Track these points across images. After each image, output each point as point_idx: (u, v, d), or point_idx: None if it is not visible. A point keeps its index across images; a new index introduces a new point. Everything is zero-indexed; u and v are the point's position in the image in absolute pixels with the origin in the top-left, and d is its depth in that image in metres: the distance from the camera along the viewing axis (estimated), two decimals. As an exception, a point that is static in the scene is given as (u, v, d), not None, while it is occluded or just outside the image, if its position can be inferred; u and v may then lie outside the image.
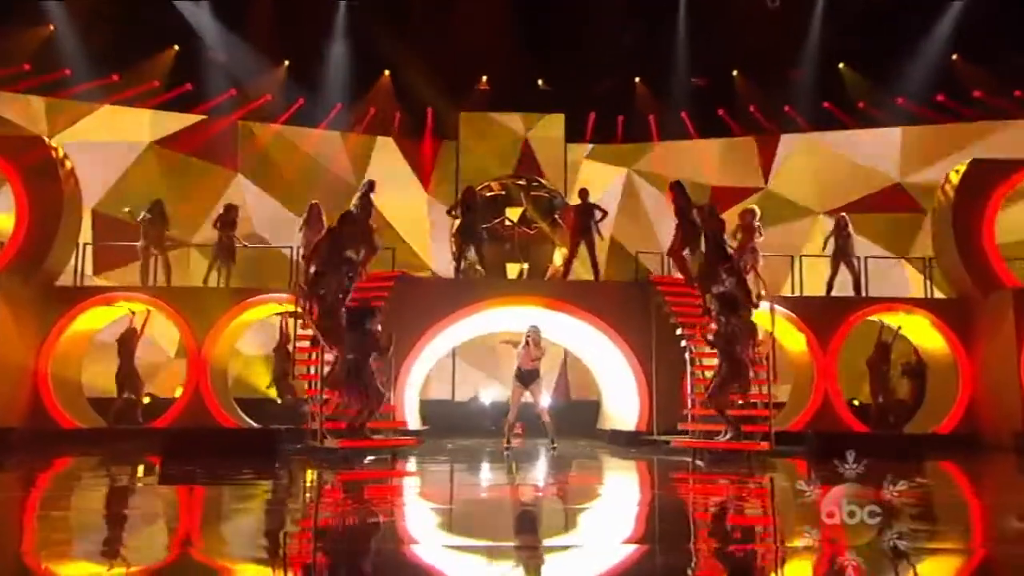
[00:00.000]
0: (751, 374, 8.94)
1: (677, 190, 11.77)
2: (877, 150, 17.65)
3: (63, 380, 12.44)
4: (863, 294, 13.38)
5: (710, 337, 9.00)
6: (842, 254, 13.58)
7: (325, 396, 8.87)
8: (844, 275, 13.55)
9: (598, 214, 12.65)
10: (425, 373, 13.65)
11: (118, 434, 11.54)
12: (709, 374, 9.65)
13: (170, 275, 13.42)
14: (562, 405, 16.10)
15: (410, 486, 6.83)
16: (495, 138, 17.89)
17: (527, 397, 11.09)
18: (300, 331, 10.36)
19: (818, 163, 17.90)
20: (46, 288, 12.39)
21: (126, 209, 13.74)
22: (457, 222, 12.89)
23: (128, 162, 16.84)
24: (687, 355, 10.14)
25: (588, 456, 10.43)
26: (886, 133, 17.71)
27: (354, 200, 11.92)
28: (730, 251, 10.28)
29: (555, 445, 10.78)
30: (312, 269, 9.61)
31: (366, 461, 8.60)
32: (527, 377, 10.89)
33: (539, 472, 8.32)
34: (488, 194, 13.98)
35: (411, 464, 8.66)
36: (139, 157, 16.95)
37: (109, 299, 12.68)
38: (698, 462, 8.78)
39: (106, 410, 12.85)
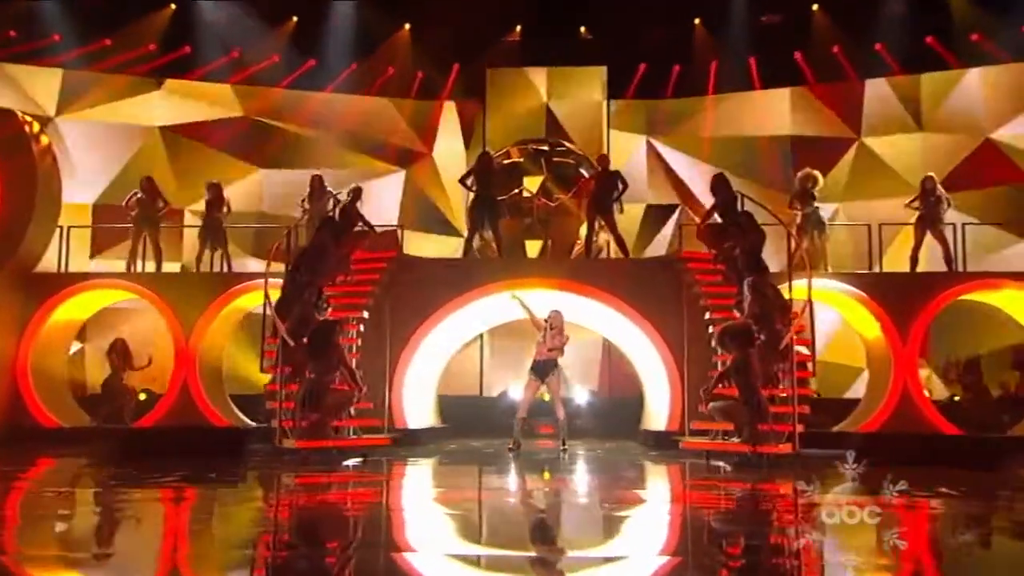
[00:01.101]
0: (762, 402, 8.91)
1: (720, 183, 11.62)
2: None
3: (46, 375, 13.14)
4: (957, 269, 12.95)
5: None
6: (929, 221, 13.17)
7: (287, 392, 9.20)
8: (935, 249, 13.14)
9: (620, 187, 12.69)
10: (438, 366, 13.94)
11: (98, 434, 12.14)
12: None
13: (160, 260, 13.97)
14: (603, 402, 16.19)
15: (358, 498, 7.03)
16: (526, 97, 17.94)
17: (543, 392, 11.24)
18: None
19: (916, 111, 17.32)
20: (23, 275, 13.10)
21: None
22: (471, 195, 13.14)
23: (134, 148, 17.46)
24: (713, 343, 10.12)
25: (600, 459, 10.57)
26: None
27: (339, 204, 12.26)
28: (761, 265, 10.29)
29: (565, 447, 10.94)
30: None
31: (349, 464, 8.91)
32: (543, 368, 11.03)
33: (528, 479, 8.53)
34: (506, 162, 14.07)
35: (386, 467, 8.97)
36: (146, 144, 17.55)
37: (91, 286, 13.32)
38: (719, 464, 8.82)
39: (96, 407, 13.57)
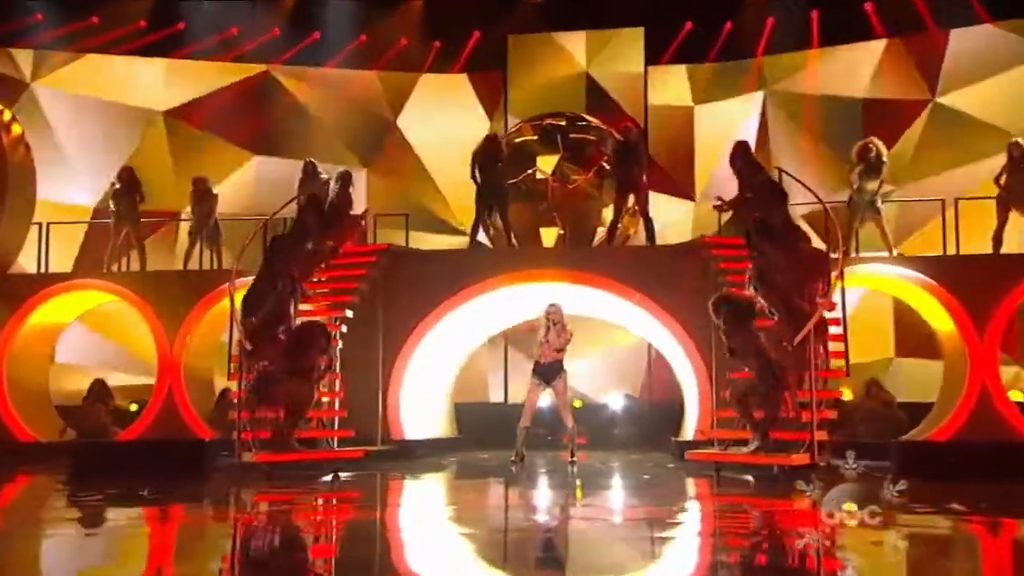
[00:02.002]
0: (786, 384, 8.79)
1: (736, 152, 11.47)
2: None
3: (22, 384, 13.56)
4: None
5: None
6: (1016, 195, 12.73)
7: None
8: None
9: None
10: (449, 371, 14.04)
11: (75, 449, 12.47)
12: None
13: (144, 258, 14.28)
14: (643, 409, 16.08)
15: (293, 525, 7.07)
16: (554, 66, 17.87)
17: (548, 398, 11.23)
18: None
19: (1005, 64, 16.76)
20: (-7, 277, 13.53)
21: None
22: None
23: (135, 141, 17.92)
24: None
25: (609, 474, 10.54)
26: None
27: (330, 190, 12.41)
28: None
29: (574, 459, 10.96)
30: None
31: (328, 480, 9.04)
32: (548, 372, 11.04)
33: (513, 499, 8.55)
34: (517, 140, 14.05)
35: (358, 484, 9.10)
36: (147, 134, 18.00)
37: (69, 288, 13.69)
38: (742, 476, 8.72)
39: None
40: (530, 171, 13.69)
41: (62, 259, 15.65)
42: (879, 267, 12.77)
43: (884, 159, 12.73)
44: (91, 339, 16.71)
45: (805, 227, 12.07)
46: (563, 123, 14.05)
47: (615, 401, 16.10)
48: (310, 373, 9.50)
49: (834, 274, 9.79)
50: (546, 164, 13.68)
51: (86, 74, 17.87)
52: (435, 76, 18.55)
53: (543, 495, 8.84)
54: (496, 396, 16.78)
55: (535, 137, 14.04)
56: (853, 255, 12.57)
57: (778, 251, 9.26)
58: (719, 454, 9.05)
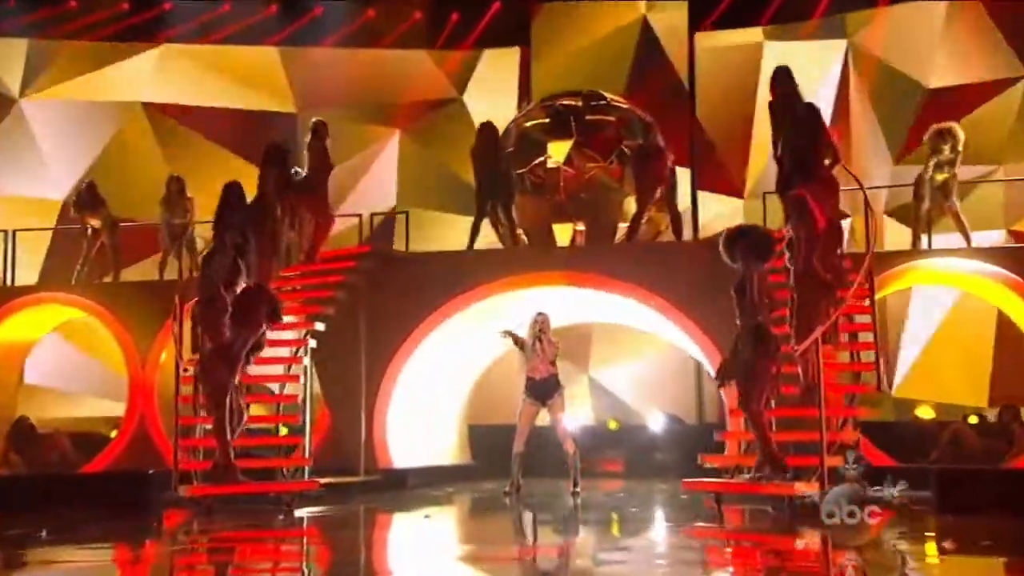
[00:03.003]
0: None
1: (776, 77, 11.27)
2: None
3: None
4: None
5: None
6: None
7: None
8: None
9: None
10: (456, 389, 14.00)
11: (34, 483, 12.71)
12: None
13: (119, 269, 14.46)
14: (690, 431, 15.79)
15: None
16: (586, 39, 17.72)
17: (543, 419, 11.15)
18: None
19: None
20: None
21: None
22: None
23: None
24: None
25: (613, 506, 10.54)
26: None
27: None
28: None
29: (577, 489, 10.89)
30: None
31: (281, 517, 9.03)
32: (543, 389, 10.98)
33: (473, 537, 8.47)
34: (527, 125, 13.94)
35: (308, 522, 9.12)
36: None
37: (29, 302, 13.96)
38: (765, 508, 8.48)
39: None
40: (540, 159, 13.49)
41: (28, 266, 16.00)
42: (951, 262, 12.32)
43: (959, 147, 12.37)
44: (75, 359, 16.95)
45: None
46: (578, 103, 13.84)
47: (656, 422, 15.83)
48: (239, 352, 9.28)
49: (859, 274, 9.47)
50: (558, 151, 13.50)
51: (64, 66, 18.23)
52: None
53: (504, 537, 8.70)
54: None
55: (546, 120, 13.85)
56: (924, 247, 12.27)
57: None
58: (718, 483, 8.79)
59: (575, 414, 15.79)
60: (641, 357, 15.89)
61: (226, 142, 17.89)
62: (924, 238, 12.37)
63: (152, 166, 17.28)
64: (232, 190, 10.29)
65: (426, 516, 10.07)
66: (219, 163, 17.12)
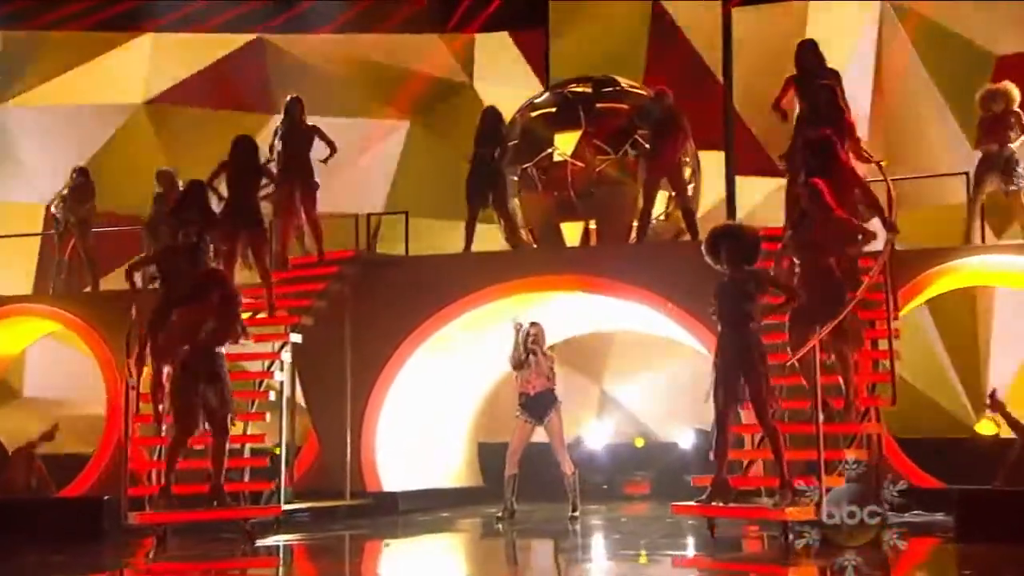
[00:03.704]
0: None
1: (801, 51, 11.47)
2: None
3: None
4: None
5: None
6: None
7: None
8: None
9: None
10: (463, 404, 13.98)
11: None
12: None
13: (97, 276, 14.63)
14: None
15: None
16: (604, 18, 17.63)
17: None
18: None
19: None
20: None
21: None
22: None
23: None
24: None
25: (617, 534, 10.43)
26: None
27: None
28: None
29: (576, 514, 10.92)
30: None
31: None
32: (538, 405, 10.97)
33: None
34: (534, 114, 13.93)
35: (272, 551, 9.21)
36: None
37: (2, 314, 14.16)
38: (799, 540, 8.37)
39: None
40: (546, 152, 13.43)
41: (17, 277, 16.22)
42: (1008, 259, 12.01)
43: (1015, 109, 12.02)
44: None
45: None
46: (588, 89, 13.77)
47: (687, 439, 15.67)
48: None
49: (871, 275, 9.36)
50: (565, 143, 13.42)
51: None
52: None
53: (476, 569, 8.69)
54: (537, 434, 16.51)
55: (553, 109, 13.78)
56: (977, 242, 12.00)
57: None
58: (709, 507, 8.67)
59: (595, 432, 15.82)
60: (665, 367, 15.71)
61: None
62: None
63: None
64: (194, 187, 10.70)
65: (386, 544, 10.10)
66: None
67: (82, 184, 14.65)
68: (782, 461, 8.36)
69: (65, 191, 14.70)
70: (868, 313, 9.91)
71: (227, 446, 9.34)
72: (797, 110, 11.42)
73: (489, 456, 14.74)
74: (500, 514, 10.91)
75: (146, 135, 18.18)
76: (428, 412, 13.17)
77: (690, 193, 13.49)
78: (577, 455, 15.94)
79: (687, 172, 13.41)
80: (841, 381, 9.08)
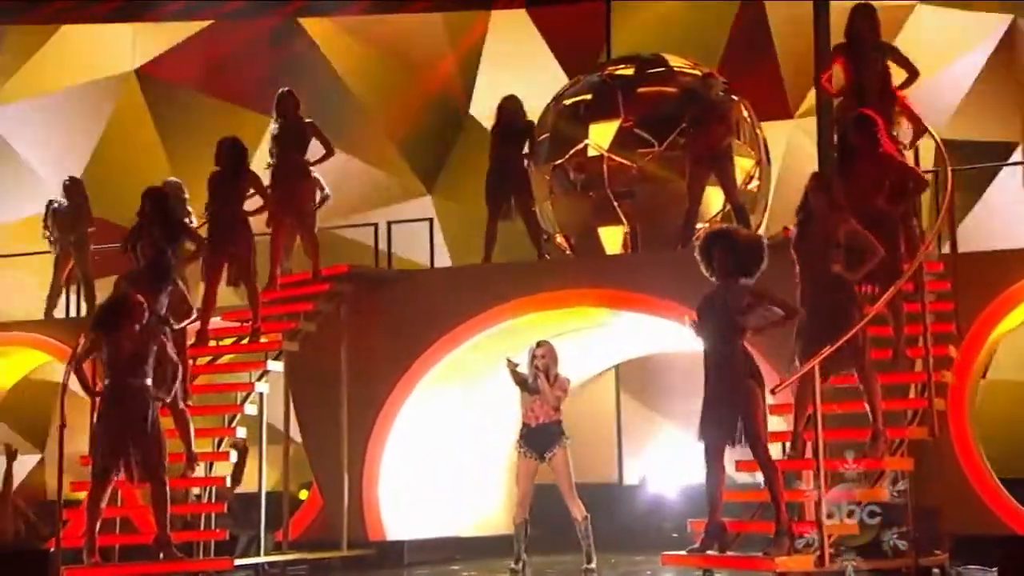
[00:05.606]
0: None
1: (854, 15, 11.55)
2: None
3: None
4: None
5: None
6: None
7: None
8: None
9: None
10: (498, 437, 14.12)
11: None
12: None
13: (93, 298, 15.23)
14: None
15: None
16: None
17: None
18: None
19: None
20: None
21: None
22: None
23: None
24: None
25: None
26: None
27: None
28: None
29: (592, 566, 10.85)
30: None
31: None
32: (541, 439, 10.85)
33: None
34: (567, 103, 14.11)
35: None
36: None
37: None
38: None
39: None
40: (579, 147, 13.60)
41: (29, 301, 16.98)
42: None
43: None
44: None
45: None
46: (630, 71, 13.89)
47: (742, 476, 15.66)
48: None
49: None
50: (601, 135, 13.56)
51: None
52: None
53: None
54: (605, 472, 16.68)
55: (589, 97, 13.94)
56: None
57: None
58: (702, 557, 8.78)
59: (665, 471, 15.88)
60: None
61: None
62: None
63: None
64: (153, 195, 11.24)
65: None
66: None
67: (75, 203, 15.28)
68: (780, 504, 8.46)
69: (56, 204, 15.39)
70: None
71: (167, 493, 9.71)
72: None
73: (539, 497, 14.95)
74: (514, 565, 10.85)
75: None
76: (442, 449, 13.33)
77: (755, 187, 13.63)
78: (642, 498, 16.23)
79: (749, 164, 13.54)
80: (867, 407, 9.09)
